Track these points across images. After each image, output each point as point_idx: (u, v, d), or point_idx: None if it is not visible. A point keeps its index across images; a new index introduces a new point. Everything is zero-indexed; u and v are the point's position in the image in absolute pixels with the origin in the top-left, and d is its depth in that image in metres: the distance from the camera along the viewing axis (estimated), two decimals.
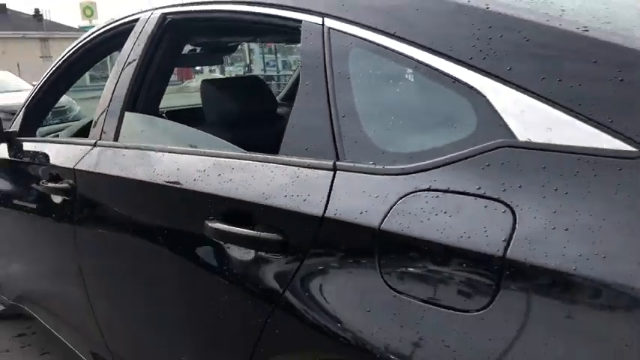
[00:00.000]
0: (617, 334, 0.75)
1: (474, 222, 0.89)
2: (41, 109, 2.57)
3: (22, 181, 2.43)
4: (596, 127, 0.84)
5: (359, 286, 1.04)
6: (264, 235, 1.19)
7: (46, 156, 2.17)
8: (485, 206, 0.89)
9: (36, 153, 2.27)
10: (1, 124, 2.40)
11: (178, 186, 1.44)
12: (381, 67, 1.19)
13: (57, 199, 1.99)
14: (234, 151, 1.41)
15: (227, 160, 1.36)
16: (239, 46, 3.06)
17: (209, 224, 1.28)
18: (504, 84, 0.95)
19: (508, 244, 0.84)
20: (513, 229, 0.84)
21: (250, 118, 2.13)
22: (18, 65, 30.20)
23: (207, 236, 1.30)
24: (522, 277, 0.83)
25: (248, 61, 21.03)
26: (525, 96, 0.92)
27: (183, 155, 1.51)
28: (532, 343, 0.80)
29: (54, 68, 2.41)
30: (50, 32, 40.50)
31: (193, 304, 1.47)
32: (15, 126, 2.51)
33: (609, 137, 0.82)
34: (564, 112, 0.87)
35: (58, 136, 2.67)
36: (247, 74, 15.38)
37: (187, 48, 2.63)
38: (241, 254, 1.26)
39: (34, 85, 2.74)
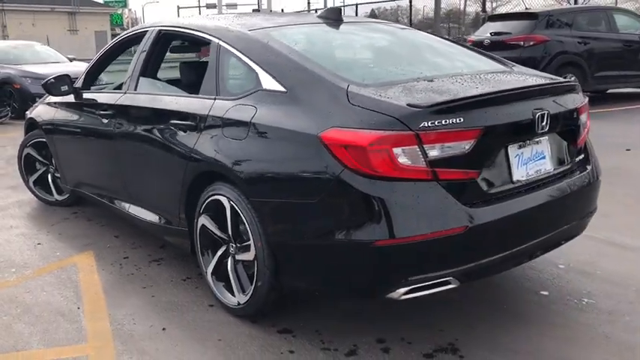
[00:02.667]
0: None
1: (241, 112, 2.82)
2: (93, 75, 4.53)
3: (82, 115, 4.38)
4: (273, 78, 2.75)
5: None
6: (181, 123, 3.14)
7: (96, 99, 4.13)
8: (244, 105, 2.81)
9: (92, 98, 4.22)
10: (72, 82, 4.35)
11: (152, 106, 3.42)
12: (234, 64, 3.10)
13: (105, 120, 3.95)
14: (180, 93, 3.37)
15: (176, 97, 3.32)
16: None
17: (163, 125, 3.24)
18: (262, 69, 2.86)
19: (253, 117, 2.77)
20: (253, 115, 2.76)
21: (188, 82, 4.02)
22: (47, 38, 32.33)
23: (162, 129, 3.26)
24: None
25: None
26: (265, 73, 2.83)
27: (158, 95, 3.47)
28: None
29: (102, 51, 4.37)
30: (77, 7, 42.48)
31: (158, 169, 3.42)
32: (78, 83, 4.46)
33: (277, 83, 2.74)
34: (271, 77, 2.79)
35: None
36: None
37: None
38: (177, 134, 3.21)
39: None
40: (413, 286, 2.42)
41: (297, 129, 2.56)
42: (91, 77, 4.51)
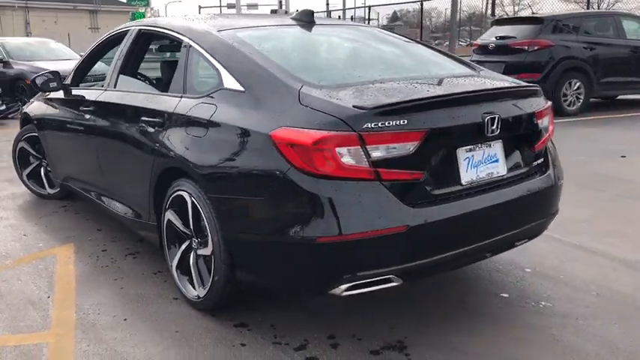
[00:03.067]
0: None
1: (202, 110, 2.90)
2: (82, 72, 4.65)
3: (69, 111, 4.50)
4: (234, 78, 2.83)
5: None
6: (150, 120, 3.23)
7: (83, 95, 4.24)
8: (205, 104, 2.89)
9: (78, 94, 4.34)
10: (61, 80, 4.48)
11: (126, 103, 3.52)
12: (200, 63, 3.18)
13: (86, 116, 4.06)
14: (153, 91, 3.46)
15: (148, 95, 3.42)
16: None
17: (135, 122, 3.34)
18: (225, 68, 2.94)
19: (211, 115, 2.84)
20: (213, 113, 2.84)
21: (163, 80, 4.10)
22: (68, 35, 32.87)
23: (133, 126, 3.36)
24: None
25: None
26: (227, 72, 2.91)
27: (132, 93, 3.57)
28: None
29: (90, 49, 4.49)
30: (99, 5, 43.06)
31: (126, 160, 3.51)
32: (68, 80, 4.58)
33: (237, 83, 2.81)
34: (232, 76, 2.86)
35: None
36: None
37: None
38: (146, 131, 3.30)
39: (80, 56, 4.83)
40: (354, 283, 2.47)
41: (251, 127, 2.63)
42: (80, 74, 4.62)
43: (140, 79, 3.98)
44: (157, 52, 4.61)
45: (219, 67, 2.97)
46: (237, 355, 2.70)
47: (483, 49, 10.43)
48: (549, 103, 3.13)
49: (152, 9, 62.03)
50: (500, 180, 2.82)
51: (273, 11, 26.70)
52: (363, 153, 2.39)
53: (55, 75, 4.46)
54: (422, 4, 17.77)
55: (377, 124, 2.39)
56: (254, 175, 2.60)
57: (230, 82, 2.87)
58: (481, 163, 2.74)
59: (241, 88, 2.81)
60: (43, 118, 4.86)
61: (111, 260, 3.87)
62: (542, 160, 3.06)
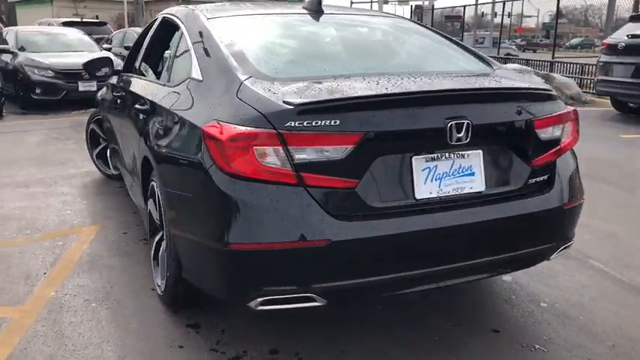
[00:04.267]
0: None
1: (168, 99, 2.80)
2: (132, 58, 4.78)
3: (112, 95, 4.64)
4: (199, 67, 2.67)
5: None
6: (140, 108, 3.19)
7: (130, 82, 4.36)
8: (173, 93, 2.78)
9: (122, 81, 4.47)
10: (113, 65, 4.64)
11: (132, 90, 3.51)
12: (184, 51, 3.06)
13: (118, 101, 4.16)
14: (153, 79, 3.43)
15: (147, 83, 3.39)
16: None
17: (134, 109, 3.32)
18: (196, 57, 2.81)
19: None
20: (174, 103, 2.73)
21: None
22: None
23: (133, 113, 3.34)
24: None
25: None
26: (196, 61, 2.77)
27: (140, 80, 3.56)
28: None
29: (139, 37, 4.60)
30: None
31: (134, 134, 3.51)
32: (120, 67, 4.74)
33: (199, 72, 2.66)
34: (198, 65, 2.71)
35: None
36: None
37: None
38: (138, 118, 3.27)
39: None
40: (269, 297, 2.23)
41: (192, 119, 2.48)
42: (131, 60, 4.76)
43: (153, 67, 3.98)
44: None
45: (192, 55, 2.85)
46: (167, 357, 2.58)
47: (612, 49, 9.28)
48: (566, 109, 2.62)
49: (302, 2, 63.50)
50: (475, 197, 2.40)
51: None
52: (284, 154, 2.13)
53: (107, 61, 4.63)
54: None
55: (302, 123, 2.12)
56: (189, 170, 2.45)
57: (196, 71, 2.74)
58: (447, 176, 2.35)
59: (200, 78, 2.67)
60: (102, 102, 5.10)
61: (124, 244, 3.93)
62: (545, 177, 2.56)
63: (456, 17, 41.04)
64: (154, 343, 2.68)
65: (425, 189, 2.31)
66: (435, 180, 2.33)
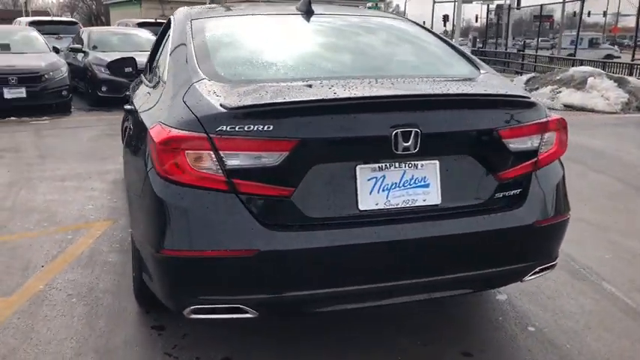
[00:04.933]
0: None
1: (140, 101, 2.79)
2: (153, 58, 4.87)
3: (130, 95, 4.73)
4: (168, 71, 2.65)
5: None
6: (128, 107, 3.22)
7: (136, 83, 4.44)
8: (146, 94, 2.78)
9: (137, 82, 4.55)
10: (136, 65, 4.74)
11: (132, 91, 3.55)
12: (166, 53, 3.05)
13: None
14: (143, 80, 3.45)
15: (142, 83, 3.41)
16: None
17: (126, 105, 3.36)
18: (170, 60, 2.79)
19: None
20: (141, 105, 2.72)
21: None
22: None
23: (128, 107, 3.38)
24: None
25: None
26: (168, 63, 2.75)
27: (139, 82, 3.60)
28: None
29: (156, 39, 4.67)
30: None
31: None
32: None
33: (166, 74, 2.64)
34: (167, 67, 2.70)
35: None
36: None
37: None
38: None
39: None
40: (200, 306, 2.17)
41: (146, 121, 2.47)
42: (149, 61, 4.85)
43: (149, 67, 4.02)
44: None
45: (167, 57, 2.84)
46: (120, 357, 2.58)
47: None
48: (545, 118, 2.39)
49: (388, 3, 62.58)
50: (429, 210, 2.23)
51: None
52: (215, 159, 2.07)
53: (131, 61, 4.73)
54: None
55: (234, 128, 2.04)
56: (138, 172, 2.44)
57: (166, 72, 2.73)
58: (397, 187, 2.20)
59: (165, 79, 2.65)
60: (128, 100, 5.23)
61: (128, 241, 3.99)
62: (516, 191, 2.35)
63: (545, 17, 39.46)
64: (113, 343, 2.69)
65: (370, 200, 2.17)
66: (383, 191, 2.19)
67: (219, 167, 2.07)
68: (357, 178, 2.16)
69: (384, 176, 2.18)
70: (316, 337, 2.74)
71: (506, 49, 21.72)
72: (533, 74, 14.68)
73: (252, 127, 2.04)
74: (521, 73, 16.13)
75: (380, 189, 2.18)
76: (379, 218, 2.18)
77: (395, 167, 2.19)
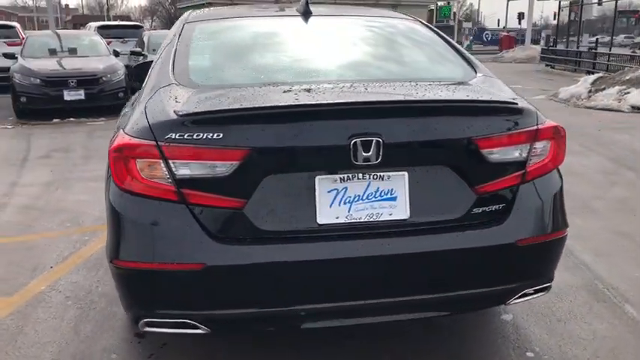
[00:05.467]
0: None
1: (128, 107, 2.76)
2: None
3: None
4: (149, 77, 2.61)
5: None
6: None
7: None
8: (134, 99, 2.74)
9: None
10: None
11: None
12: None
13: None
14: None
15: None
16: None
17: None
18: (152, 67, 2.75)
19: None
20: (126, 112, 2.69)
21: None
22: None
23: None
24: None
25: None
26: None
27: None
28: None
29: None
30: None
31: None
32: None
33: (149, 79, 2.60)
34: (151, 73, 2.66)
35: None
36: None
37: None
38: None
39: None
40: (152, 320, 2.10)
41: (116, 128, 2.43)
42: None
43: None
44: None
45: (154, 61, 2.81)
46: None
47: None
48: (534, 127, 2.17)
49: (458, 2, 60.95)
50: (396, 225, 2.07)
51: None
52: (165, 168, 1.99)
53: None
54: None
55: (183, 136, 1.96)
56: (105, 180, 2.38)
57: (146, 77, 2.69)
58: (360, 200, 2.05)
59: (144, 85, 2.61)
60: None
61: None
62: (498, 206, 2.15)
63: (631, 12, 37.46)
64: (92, 348, 2.68)
65: (330, 213, 2.03)
66: (344, 204, 2.04)
67: (169, 177, 1.99)
68: (316, 190, 2.03)
69: (345, 188, 2.04)
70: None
71: (577, 48, 20.63)
72: (601, 74, 13.86)
73: (201, 135, 1.95)
74: (592, 73, 15.27)
75: (341, 202, 2.04)
76: (339, 233, 2.04)
77: (358, 179, 2.04)
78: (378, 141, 1.97)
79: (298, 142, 1.98)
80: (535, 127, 2.17)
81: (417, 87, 2.28)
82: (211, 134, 1.95)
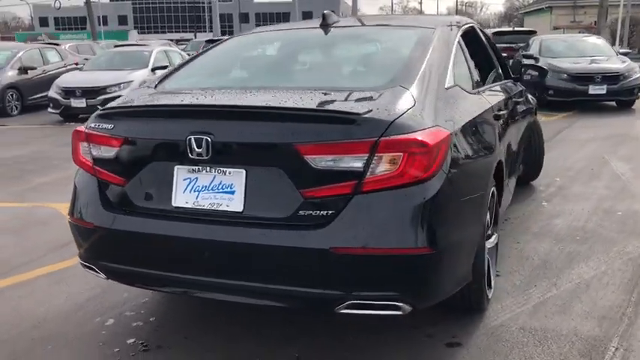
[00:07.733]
0: None
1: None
2: None
3: None
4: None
5: None
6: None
7: None
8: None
9: None
10: None
11: None
12: None
13: None
14: None
15: None
16: None
17: None
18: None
19: None
20: None
21: None
22: None
23: None
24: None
25: None
26: None
27: None
28: None
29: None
30: None
31: None
32: None
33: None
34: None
35: None
36: None
37: None
38: None
39: None
40: (82, 262, 2.78)
41: None
42: None
43: None
44: None
45: None
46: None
47: None
48: (385, 137, 2.18)
49: None
50: (231, 217, 2.36)
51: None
52: (88, 149, 2.66)
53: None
54: None
55: (95, 125, 2.63)
56: None
57: None
58: (206, 190, 2.43)
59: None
60: None
61: None
62: (324, 212, 2.24)
63: None
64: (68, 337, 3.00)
65: (182, 198, 2.45)
66: (194, 191, 2.44)
67: (90, 156, 2.65)
68: (174, 177, 2.44)
69: (196, 178, 2.43)
70: None
71: None
72: None
73: (102, 125, 2.60)
74: None
75: (192, 189, 2.44)
76: (186, 216, 2.42)
77: (207, 171, 2.41)
78: (207, 139, 2.29)
79: (156, 136, 2.48)
80: (375, 139, 2.16)
81: (291, 94, 2.49)
82: (107, 125, 2.58)
